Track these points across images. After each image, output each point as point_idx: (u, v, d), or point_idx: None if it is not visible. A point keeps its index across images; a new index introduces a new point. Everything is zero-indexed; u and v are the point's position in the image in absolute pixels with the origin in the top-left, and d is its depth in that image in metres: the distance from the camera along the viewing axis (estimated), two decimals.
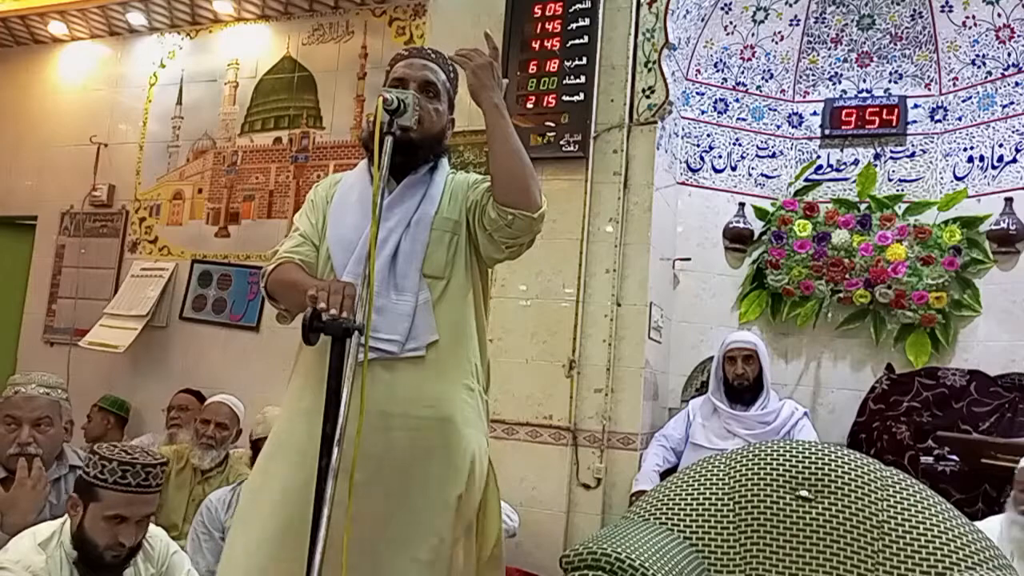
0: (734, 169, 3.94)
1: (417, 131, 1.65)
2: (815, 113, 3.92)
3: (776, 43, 3.94)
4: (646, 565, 2.02)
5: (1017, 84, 3.51)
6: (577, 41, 3.38)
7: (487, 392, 1.78)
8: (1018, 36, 3.52)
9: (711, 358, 3.46)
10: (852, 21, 3.89)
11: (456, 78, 1.82)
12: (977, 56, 3.64)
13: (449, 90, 1.79)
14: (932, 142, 3.74)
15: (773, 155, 3.96)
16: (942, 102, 3.74)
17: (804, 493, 2.24)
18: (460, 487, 1.62)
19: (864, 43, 3.89)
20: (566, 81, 3.36)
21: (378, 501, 1.57)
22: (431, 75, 1.74)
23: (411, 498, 1.59)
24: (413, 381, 1.61)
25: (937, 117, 3.75)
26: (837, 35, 3.91)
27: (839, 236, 3.64)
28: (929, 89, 3.79)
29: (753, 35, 3.92)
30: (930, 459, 3.03)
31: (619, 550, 2.04)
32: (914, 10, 3.78)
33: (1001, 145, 3.52)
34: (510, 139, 1.63)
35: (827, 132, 3.86)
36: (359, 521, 1.47)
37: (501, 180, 1.64)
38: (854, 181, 3.77)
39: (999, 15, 3.56)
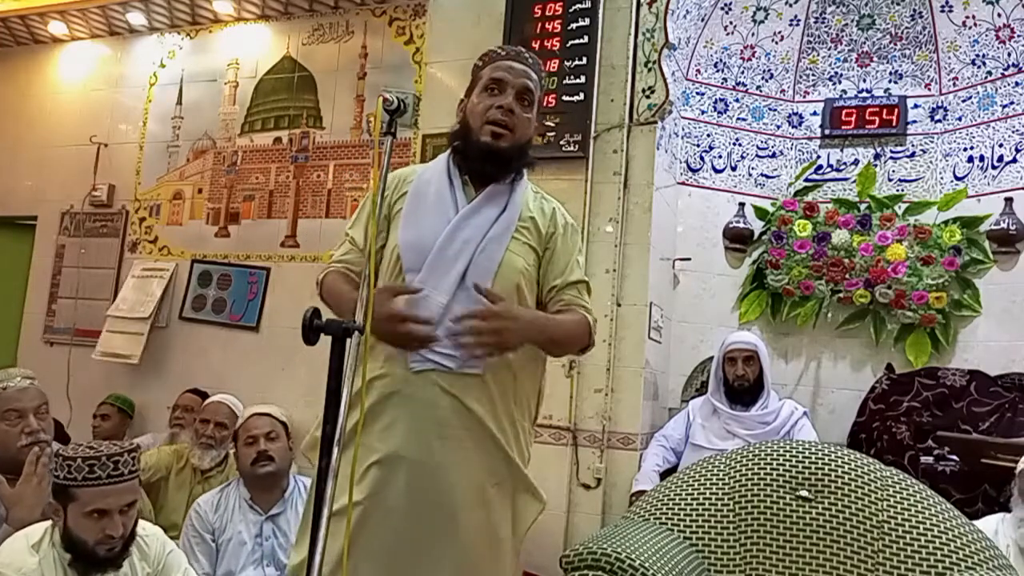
0: (734, 169, 3.94)
1: (507, 139, 1.65)
2: (815, 113, 3.92)
3: (776, 43, 3.93)
4: (646, 565, 2.01)
5: (1017, 84, 3.51)
6: (577, 41, 3.38)
7: (534, 425, 1.78)
8: (1018, 36, 3.52)
9: (711, 358, 3.46)
10: (852, 21, 3.89)
11: (544, 82, 1.82)
12: (977, 56, 3.64)
13: (540, 97, 1.77)
14: (932, 142, 3.74)
15: (773, 155, 3.96)
16: (942, 102, 3.74)
17: (804, 493, 2.24)
18: (523, 527, 1.68)
19: (864, 43, 3.89)
20: (566, 81, 3.36)
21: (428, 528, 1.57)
22: (530, 83, 1.71)
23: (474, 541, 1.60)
24: (466, 396, 1.58)
25: (937, 117, 3.75)
26: (837, 35, 3.91)
27: (839, 236, 3.64)
28: (929, 89, 3.79)
29: (753, 35, 3.92)
30: (930, 459, 3.03)
31: (619, 550, 2.04)
32: (914, 10, 3.78)
33: (1001, 145, 3.52)
34: (556, 347, 1.67)
35: (827, 132, 3.86)
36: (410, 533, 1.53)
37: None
38: (854, 181, 3.77)
39: (999, 15, 3.56)
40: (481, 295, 1.53)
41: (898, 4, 3.81)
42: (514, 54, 1.75)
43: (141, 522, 2.01)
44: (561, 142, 3.32)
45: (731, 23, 3.90)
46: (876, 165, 3.77)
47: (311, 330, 1.30)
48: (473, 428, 1.58)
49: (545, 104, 3.38)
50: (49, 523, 1.91)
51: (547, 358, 1.78)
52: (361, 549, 1.52)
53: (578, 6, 3.39)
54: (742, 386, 3.23)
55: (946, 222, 3.54)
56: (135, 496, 1.94)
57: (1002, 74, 3.56)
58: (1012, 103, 3.51)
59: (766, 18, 3.90)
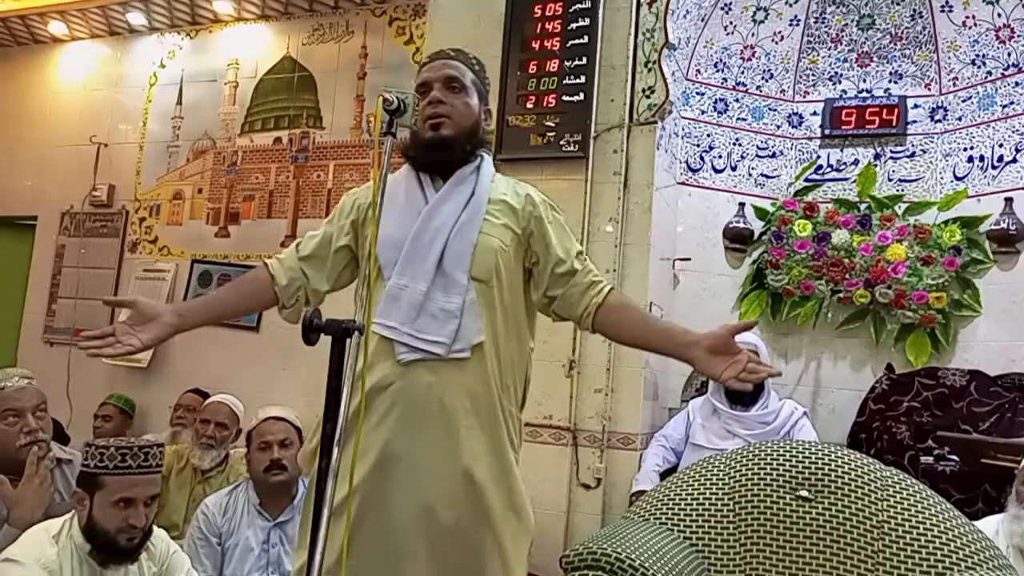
0: (734, 169, 3.94)
1: (448, 127, 1.66)
2: (815, 113, 3.92)
3: (776, 43, 3.93)
4: (646, 565, 2.01)
5: (1017, 84, 3.51)
6: (577, 41, 3.38)
7: (521, 410, 1.76)
8: (1018, 36, 3.52)
9: None
10: (852, 21, 3.89)
11: (483, 71, 1.80)
12: (977, 56, 3.63)
13: (478, 84, 1.76)
14: (932, 142, 3.74)
15: (773, 155, 3.96)
16: (942, 102, 3.74)
17: (804, 493, 2.23)
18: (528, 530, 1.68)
19: (864, 43, 3.89)
20: (566, 81, 3.36)
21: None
22: (453, 71, 1.71)
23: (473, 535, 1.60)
24: (456, 383, 1.59)
25: (937, 117, 3.75)
26: (837, 35, 3.91)
27: (839, 236, 3.64)
28: (929, 89, 3.79)
29: (753, 35, 3.92)
30: (930, 459, 3.03)
31: (619, 550, 2.04)
32: (914, 10, 3.78)
33: (1001, 145, 3.52)
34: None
35: (827, 132, 3.86)
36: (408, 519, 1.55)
37: (614, 339, 1.81)
38: (854, 181, 3.77)
39: (999, 15, 3.56)
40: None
41: (898, 4, 3.81)
42: (435, 55, 1.77)
43: None
44: (561, 142, 3.32)
45: (731, 23, 3.90)
46: (876, 165, 3.77)
47: (311, 330, 1.29)
48: (465, 415, 1.59)
49: (545, 104, 3.39)
50: (67, 516, 1.93)
51: (532, 344, 1.77)
52: (357, 543, 1.52)
53: (578, 6, 3.39)
54: None
55: (946, 222, 3.54)
56: (158, 490, 1.98)
57: (1002, 74, 3.56)
58: (1012, 103, 3.51)
59: (766, 18, 3.90)
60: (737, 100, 3.96)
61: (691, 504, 2.34)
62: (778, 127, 3.97)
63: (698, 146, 3.90)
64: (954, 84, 3.71)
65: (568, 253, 1.71)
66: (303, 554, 1.60)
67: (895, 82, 3.85)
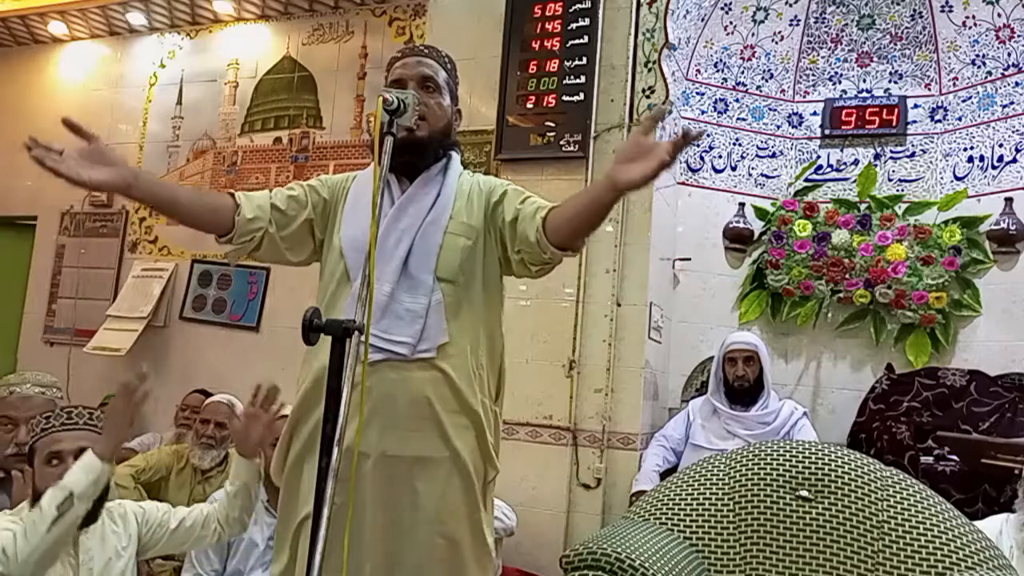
0: (734, 169, 3.94)
1: (423, 128, 1.63)
2: (815, 113, 3.92)
3: (776, 43, 3.93)
4: (646, 565, 2.01)
5: (1017, 84, 3.51)
6: (577, 41, 3.38)
7: (498, 403, 1.74)
8: (1018, 36, 3.52)
9: (711, 358, 3.46)
10: (852, 21, 3.89)
11: (455, 70, 1.78)
12: (977, 56, 3.64)
13: (450, 83, 1.74)
14: (932, 142, 3.74)
15: (773, 155, 3.96)
16: (942, 102, 3.74)
17: (804, 493, 2.23)
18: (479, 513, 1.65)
19: (864, 43, 3.89)
20: (566, 81, 3.36)
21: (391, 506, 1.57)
22: (427, 70, 1.70)
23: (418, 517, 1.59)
24: (424, 380, 1.59)
25: (937, 117, 3.75)
26: (837, 35, 3.91)
27: (839, 236, 3.64)
28: (929, 89, 3.79)
29: (753, 35, 3.92)
30: (930, 459, 3.03)
31: (619, 550, 2.04)
32: (914, 10, 3.78)
33: (1001, 145, 3.52)
34: (609, 211, 1.52)
35: (827, 132, 3.86)
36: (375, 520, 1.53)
37: (575, 234, 1.56)
38: (854, 181, 3.77)
39: (999, 15, 3.56)
40: None
41: (898, 4, 3.81)
42: (409, 51, 1.75)
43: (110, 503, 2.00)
44: (561, 142, 3.32)
45: (731, 23, 3.90)
46: (876, 165, 3.77)
47: (311, 330, 1.29)
48: (439, 410, 1.59)
49: (545, 104, 3.39)
50: (26, 499, 1.91)
51: (504, 339, 1.75)
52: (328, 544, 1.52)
53: (578, 6, 3.39)
54: (742, 386, 3.23)
55: (946, 222, 3.54)
56: (89, 445, 1.91)
57: (1002, 74, 3.56)
58: (1012, 103, 3.51)
59: (766, 18, 3.90)
60: (737, 100, 3.96)
61: (691, 504, 2.34)
62: (778, 127, 3.97)
63: (698, 146, 3.90)
64: (954, 84, 3.71)
65: (514, 206, 1.66)
66: (283, 558, 1.60)
67: (895, 82, 3.85)
